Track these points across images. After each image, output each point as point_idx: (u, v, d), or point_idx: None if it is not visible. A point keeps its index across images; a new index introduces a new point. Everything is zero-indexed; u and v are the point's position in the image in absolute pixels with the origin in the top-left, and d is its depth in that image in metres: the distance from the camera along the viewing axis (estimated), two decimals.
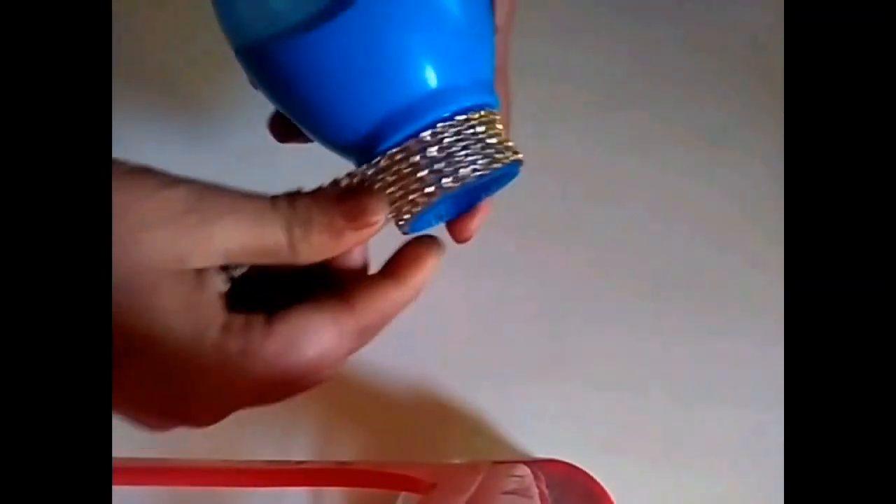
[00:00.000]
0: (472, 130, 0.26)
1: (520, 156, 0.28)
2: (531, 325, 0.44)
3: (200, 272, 0.22)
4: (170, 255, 0.21)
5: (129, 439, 0.39)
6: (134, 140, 0.46)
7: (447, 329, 0.43)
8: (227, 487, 0.39)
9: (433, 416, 0.42)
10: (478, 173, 0.26)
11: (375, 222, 0.24)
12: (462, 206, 0.30)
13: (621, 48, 0.53)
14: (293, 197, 0.24)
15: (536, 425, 0.42)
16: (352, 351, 0.25)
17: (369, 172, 0.25)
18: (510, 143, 0.28)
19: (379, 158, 0.25)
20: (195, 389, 0.23)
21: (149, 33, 0.49)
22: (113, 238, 0.21)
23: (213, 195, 0.23)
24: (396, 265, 0.26)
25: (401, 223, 0.26)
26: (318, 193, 0.25)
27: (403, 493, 0.37)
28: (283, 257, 0.24)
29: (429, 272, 0.26)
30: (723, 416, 0.43)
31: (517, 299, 0.45)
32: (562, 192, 0.48)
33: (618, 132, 0.50)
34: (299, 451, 0.40)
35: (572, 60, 0.52)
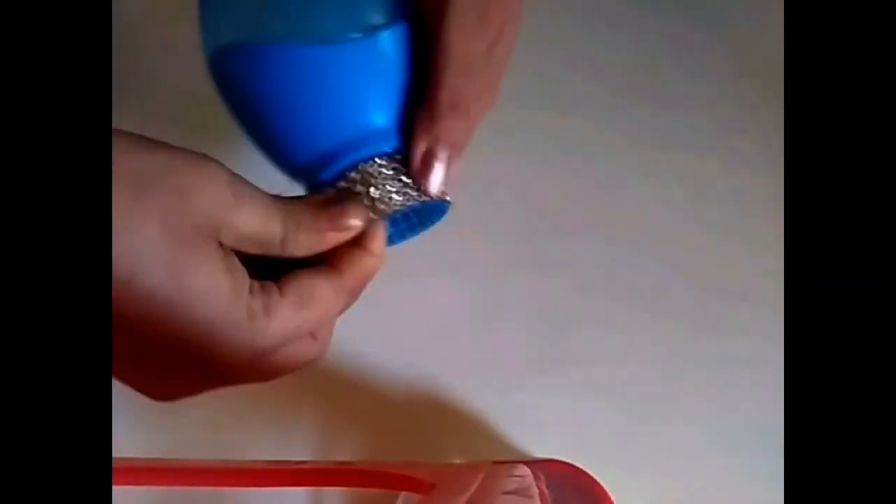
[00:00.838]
0: (384, 173, 0.29)
1: (447, 199, 0.30)
2: (531, 326, 0.44)
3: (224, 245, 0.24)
4: (210, 221, 0.23)
5: (129, 439, 0.39)
6: None
7: (447, 329, 0.43)
8: (227, 487, 0.39)
9: (433, 416, 0.42)
10: (392, 206, 0.29)
11: (353, 226, 0.27)
12: (427, 223, 0.33)
13: (621, 49, 0.53)
14: (288, 199, 0.27)
15: (536, 425, 0.42)
16: (343, 308, 0.28)
17: (343, 185, 0.28)
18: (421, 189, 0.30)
19: (347, 174, 0.28)
20: (228, 345, 0.24)
21: (149, 33, 0.49)
22: (165, 191, 0.23)
23: (243, 181, 0.25)
24: (364, 236, 0.28)
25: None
26: (308, 198, 0.27)
27: (403, 493, 0.37)
28: (273, 249, 0.26)
29: (384, 238, 0.29)
30: (722, 416, 0.43)
31: (517, 299, 0.45)
32: (562, 192, 0.48)
33: (618, 132, 0.50)
34: (299, 450, 0.40)
35: (572, 60, 0.52)
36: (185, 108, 0.47)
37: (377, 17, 0.28)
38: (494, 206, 0.47)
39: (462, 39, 0.27)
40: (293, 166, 0.30)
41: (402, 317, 0.44)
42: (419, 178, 0.28)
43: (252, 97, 0.29)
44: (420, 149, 0.28)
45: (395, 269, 0.45)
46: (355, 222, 0.27)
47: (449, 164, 0.28)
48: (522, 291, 0.45)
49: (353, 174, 0.28)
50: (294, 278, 0.26)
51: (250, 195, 0.25)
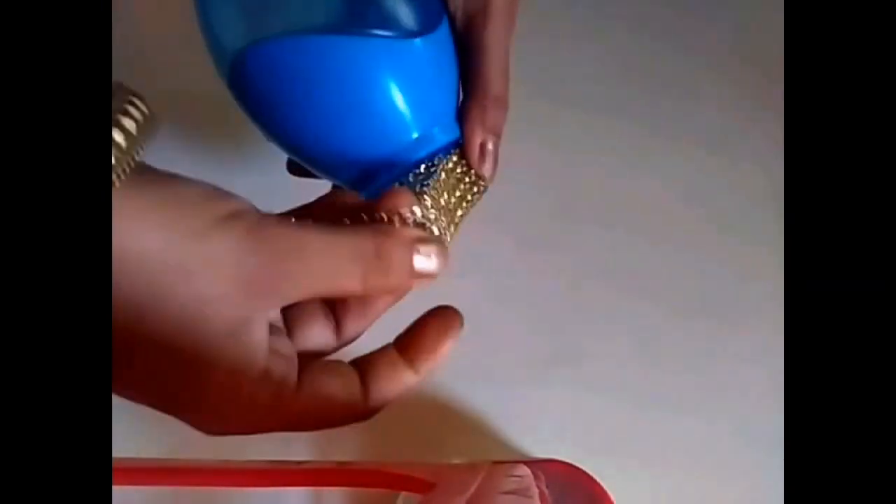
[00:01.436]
0: (444, 169, 0.30)
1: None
2: (531, 326, 0.44)
3: (256, 321, 0.24)
4: (232, 319, 0.23)
5: (129, 439, 0.39)
6: None
7: None
8: (227, 487, 0.39)
9: (433, 416, 0.42)
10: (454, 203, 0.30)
11: (437, 274, 0.27)
12: None
13: (621, 48, 0.53)
14: (379, 242, 0.25)
15: (536, 425, 0.42)
16: (357, 420, 0.27)
17: (431, 202, 0.29)
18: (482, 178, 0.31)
19: (428, 194, 0.29)
20: (221, 411, 0.25)
21: (149, 36, 0.49)
22: (180, 296, 0.22)
23: (291, 260, 0.23)
24: (416, 348, 0.28)
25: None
26: (398, 237, 0.25)
27: (403, 493, 0.37)
28: (351, 296, 0.26)
29: (443, 358, 0.28)
30: (723, 417, 0.43)
31: (517, 299, 0.45)
32: (562, 193, 0.48)
33: (618, 132, 0.50)
34: (299, 450, 0.40)
35: (572, 60, 0.52)
36: (186, 108, 0.47)
37: (419, 20, 0.28)
38: (494, 205, 0.47)
39: (501, 40, 0.30)
40: (340, 176, 0.30)
41: (401, 316, 0.44)
42: (480, 168, 0.30)
43: (287, 95, 0.28)
44: (478, 141, 0.30)
45: None
46: (438, 271, 0.27)
47: (498, 152, 0.31)
48: (522, 291, 0.45)
49: (432, 188, 0.29)
50: (314, 379, 0.26)
51: (302, 269, 0.24)
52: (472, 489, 0.30)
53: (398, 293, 0.28)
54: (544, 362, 0.44)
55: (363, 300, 0.28)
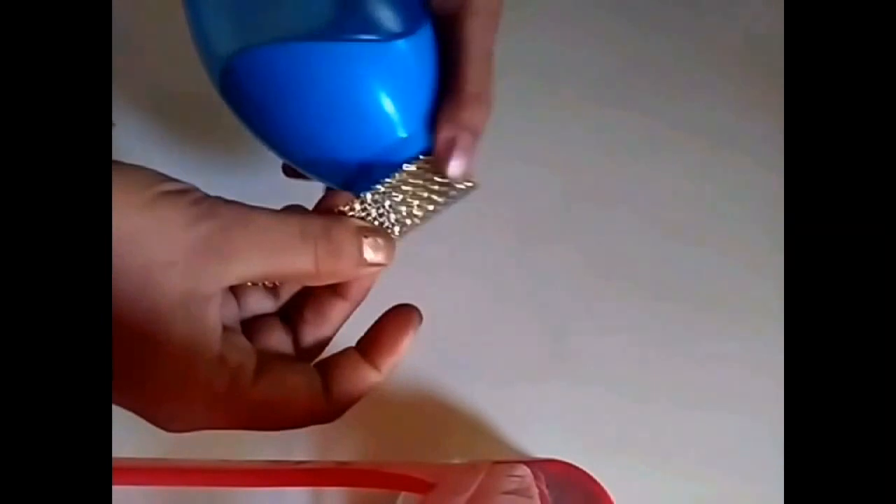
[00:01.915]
0: (415, 174, 0.29)
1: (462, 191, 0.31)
2: (531, 326, 0.44)
3: (208, 298, 0.24)
4: (182, 288, 0.23)
5: (129, 439, 0.39)
6: (135, 143, 0.46)
7: (447, 329, 0.43)
8: (227, 487, 0.39)
9: (433, 416, 0.42)
10: (424, 212, 0.30)
11: (386, 264, 0.28)
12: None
13: (621, 48, 0.53)
14: (327, 225, 0.26)
15: (536, 425, 0.42)
16: (320, 420, 0.27)
17: (373, 198, 0.29)
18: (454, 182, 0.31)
19: (372, 192, 0.29)
20: (178, 404, 0.25)
21: (149, 33, 0.49)
22: (131, 266, 0.22)
23: (238, 228, 0.24)
24: (376, 347, 0.29)
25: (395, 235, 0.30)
26: (345, 223, 0.27)
27: (403, 493, 0.37)
28: (305, 281, 0.27)
29: (404, 354, 0.29)
30: (722, 417, 0.43)
31: (517, 299, 0.45)
32: (562, 191, 0.48)
33: (618, 132, 0.50)
34: (299, 450, 0.40)
35: (571, 59, 0.52)
36: (185, 108, 0.47)
37: (402, 23, 0.28)
38: (494, 205, 0.47)
39: (481, 36, 0.29)
40: (328, 177, 0.30)
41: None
42: (444, 165, 0.29)
43: (274, 100, 0.28)
44: (444, 136, 0.29)
45: (394, 268, 0.45)
46: (388, 260, 0.28)
47: (472, 151, 0.30)
48: (522, 291, 0.45)
49: (384, 186, 0.29)
50: (272, 373, 0.26)
51: (254, 240, 0.24)
52: (472, 489, 0.30)
53: (353, 296, 0.29)
54: (544, 362, 0.44)
55: (319, 310, 0.29)
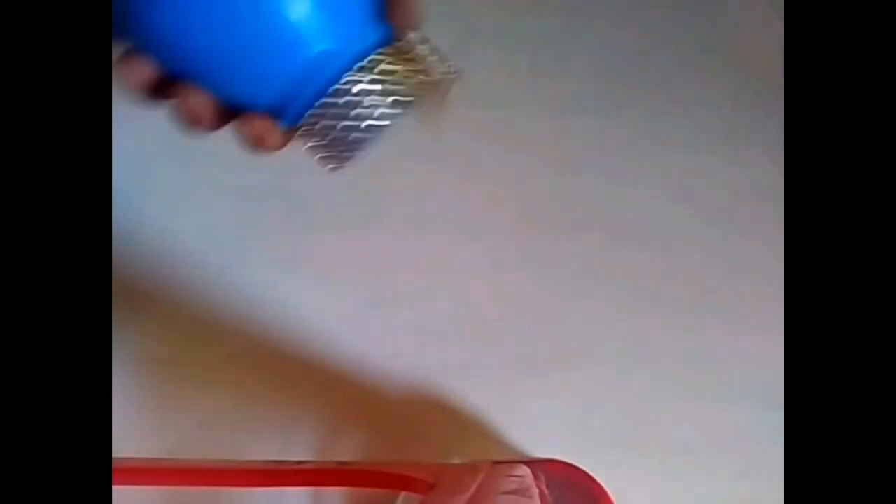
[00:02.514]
0: (381, 70, 0.26)
1: (433, 86, 0.28)
2: (531, 325, 0.44)
3: None
4: None
5: (129, 439, 0.39)
6: (134, 139, 0.46)
7: (447, 329, 0.43)
8: (227, 487, 0.39)
9: (433, 416, 0.42)
10: (394, 110, 0.26)
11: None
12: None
13: (621, 48, 0.53)
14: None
15: (536, 425, 0.42)
16: None
17: (302, 129, 0.26)
18: (425, 74, 0.27)
19: (306, 118, 0.26)
20: None
21: None
22: None
23: None
24: None
25: (330, 169, 0.27)
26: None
27: (403, 493, 0.37)
28: None
29: None
30: (723, 416, 0.43)
31: (517, 299, 0.45)
32: (562, 191, 0.48)
33: (619, 131, 0.50)
34: (299, 451, 0.40)
35: (572, 59, 0.52)
36: None
37: None
38: (494, 205, 0.47)
39: None
40: (262, 103, 0.27)
41: (401, 317, 0.44)
42: (412, 45, 0.27)
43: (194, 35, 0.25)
44: (409, 20, 0.27)
45: (394, 268, 0.45)
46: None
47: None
48: (522, 291, 0.45)
49: (330, 98, 0.26)
50: None
51: None
52: (473, 489, 0.30)
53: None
54: (544, 362, 0.44)
55: None
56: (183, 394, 0.40)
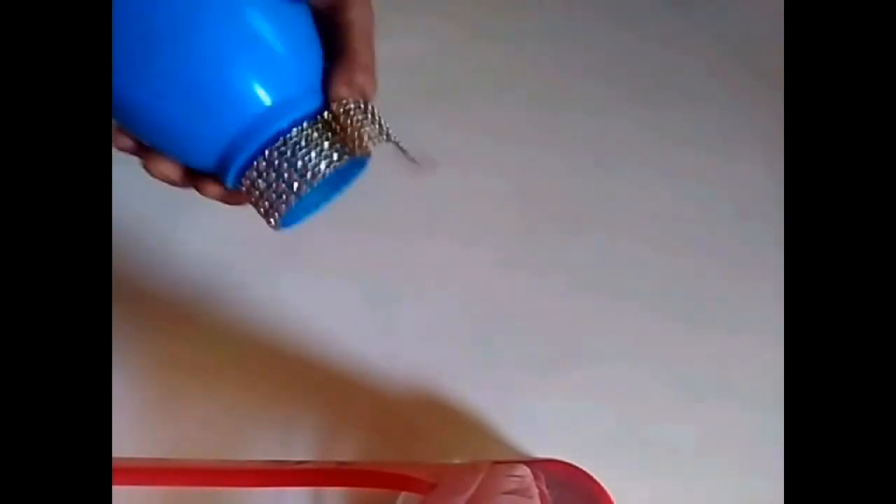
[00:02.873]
0: (309, 137, 0.29)
1: (365, 151, 0.30)
2: (531, 326, 0.44)
3: None
4: None
5: (129, 439, 0.39)
6: None
7: (447, 329, 0.43)
8: (227, 487, 0.39)
9: (433, 416, 0.42)
10: (323, 171, 0.29)
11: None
12: (328, 195, 0.33)
13: (621, 48, 0.53)
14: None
15: (536, 425, 0.42)
16: None
17: (244, 188, 0.29)
18: (356, 141, 0.29)
19: (245, 175, 0.28)
20: None
21: None
22: None
23: None
24: None
25: (272, 224, 0.30)
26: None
27: (404, 493, 0.37)
28: None
29: None
30: (723, 417, 0.43)
31: (517, 299, 0.45)
32: (562, 192, 0.48)
33: (618, 131, 0.50)
34: (300, 451, 0.40)
35: (572, 59, 0.52)
36: None
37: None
38: (494, 206, 0.47)
39: (364, 20, 0.31)
40: (206, 166, 0.29)
41: (402, 318, 0.44)
42: (343, 122, 0.29)
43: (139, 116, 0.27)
44: (342, 95, 0.29)
45: (395, 268, 0.45)
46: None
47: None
48: (522, 291, 0.45)
49: (262, 162, 0.28)
50: None
51: None
52: (473, 489, 0.30)
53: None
54: (544, 363, 0.44)
55: None
56: (183, 394, 0.40)
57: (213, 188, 0.31)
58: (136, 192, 0.44)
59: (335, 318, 0.43)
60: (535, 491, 0.31)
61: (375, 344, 0.43)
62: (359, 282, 0.44)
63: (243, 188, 0.29)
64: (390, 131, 0.29)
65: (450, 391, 0.42)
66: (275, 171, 0.28)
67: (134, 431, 0.39)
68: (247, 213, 0.45)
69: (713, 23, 0.54)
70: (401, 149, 0.30)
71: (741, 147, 0.50)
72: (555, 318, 0.45)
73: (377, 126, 0.29)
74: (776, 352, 0.43)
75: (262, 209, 0.29)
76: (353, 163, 0.30)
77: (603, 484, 0.38)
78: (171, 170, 0.31)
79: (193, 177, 0.31)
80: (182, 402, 0.40)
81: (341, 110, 0.29)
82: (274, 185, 0.28)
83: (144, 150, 0.30)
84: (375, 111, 0.29)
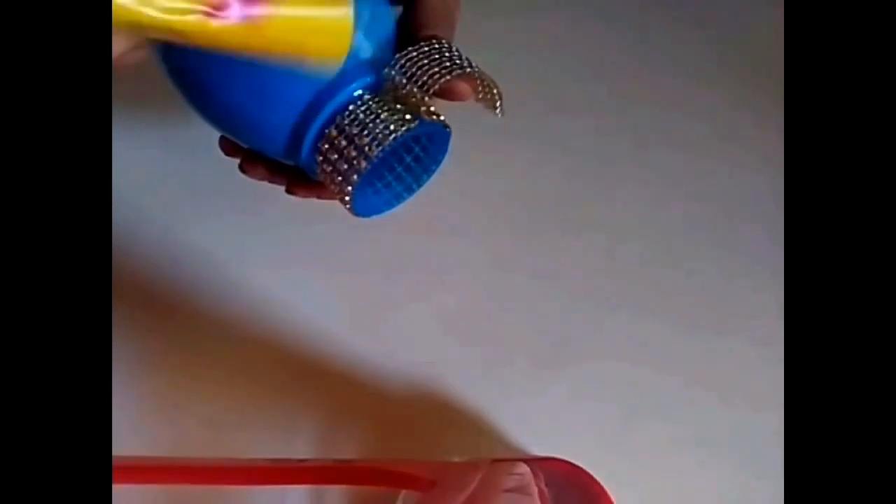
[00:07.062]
0: (380, 101, 0.28)
1: (433, 119, 0.29)
2: (531, 324, 0.44)
3: None
4: None
5: (129, 438, 0.39)
6: (134, 139, 0.46)
7: (447, 328, 0.43)
8: (228, 486, 0.39)
9: (433, 414, 0.42)
10: (394, 132, 0.27)
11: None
12: (411, 184, 0.32)
13: (621, 47, 0.53)
14: None
15: (536, 424, 0.42)
16: None
17: (318, 166, 0.28)
18: (422, 109, 0.28)
19: (314, 155, 0.28)
20: None
21: None
22: None
23: None
24: None
25: (346, 204, 0.29)
26: None
27: (404, 491, 0.37)
28: None
29: None
30: (723, 416, 0.43)
31: (517, 297, 0.45)
32: (562, 190, 0.48)
33: (618, 133, 0.50)
34: (301, 449, 0.40)
35: (572, 60, 0.52)
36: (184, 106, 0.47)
37: None
38: (494, 205, 0.47)
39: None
40: (277, 150, 0.29)
41: (402, 316, 0.44)
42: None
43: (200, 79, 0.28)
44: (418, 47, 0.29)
45: (395, 267, 0.45)
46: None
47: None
48: (522, 291, 0.45)
49: (333, 130, 0.27)
50: None
51: None
52: (472, 487, 0.30)
53: None
54: (544, 361, 0.44)
55: None
56: (183, 392, 0.40)
57: (302, 189, 0.32)
58: (136, 191, 0.44)
59: (336, 317, 0.43)
60: (535, 489, 0.31)
61: (376, 342, 0.43)
62: (359, 282, 0.44)
63: (318, 168, 0.28)
64: (473, 64, 0.29)
65: (450, 390, 0.42)
66: (346, 137, 0.27)
67: (134, 429, 0.39)
68: (247, 212, 0.45)
69: (713, 23, 0.54)
70: (483, 79, 0.29)
71: (742, 149, 0.50)
72: (554, 317, 0.45)
73: (454, 63, 0.29)
74: (776, 352, 0.43)
75: (335, 184, 0.28)
76: (431, 142, 0.30)
77: (602, 483, 0.38)
78: (260, 169, 0.33)
79: (279, 170, 0.32)
80: (182, 401, 0.40)
81: (412, 68, 0.28)
82: (345, 151, 0.27)
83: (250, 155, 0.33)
84: (453, 48, 0.29)
